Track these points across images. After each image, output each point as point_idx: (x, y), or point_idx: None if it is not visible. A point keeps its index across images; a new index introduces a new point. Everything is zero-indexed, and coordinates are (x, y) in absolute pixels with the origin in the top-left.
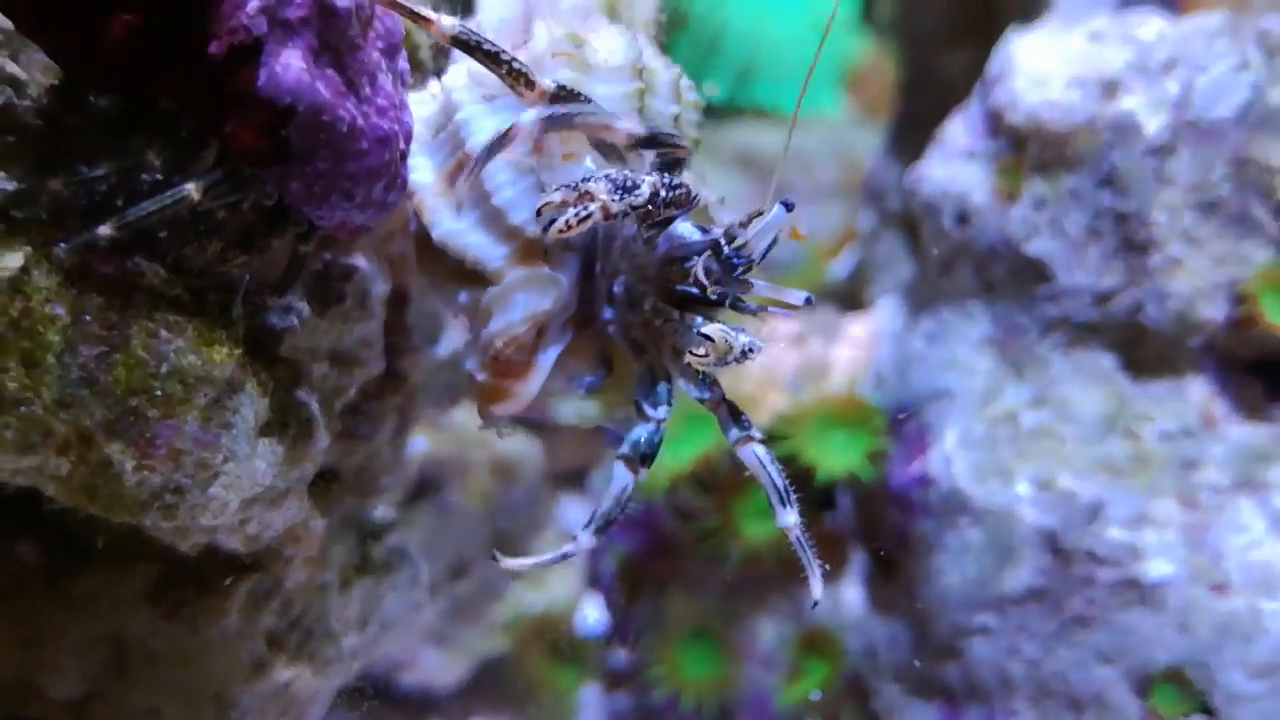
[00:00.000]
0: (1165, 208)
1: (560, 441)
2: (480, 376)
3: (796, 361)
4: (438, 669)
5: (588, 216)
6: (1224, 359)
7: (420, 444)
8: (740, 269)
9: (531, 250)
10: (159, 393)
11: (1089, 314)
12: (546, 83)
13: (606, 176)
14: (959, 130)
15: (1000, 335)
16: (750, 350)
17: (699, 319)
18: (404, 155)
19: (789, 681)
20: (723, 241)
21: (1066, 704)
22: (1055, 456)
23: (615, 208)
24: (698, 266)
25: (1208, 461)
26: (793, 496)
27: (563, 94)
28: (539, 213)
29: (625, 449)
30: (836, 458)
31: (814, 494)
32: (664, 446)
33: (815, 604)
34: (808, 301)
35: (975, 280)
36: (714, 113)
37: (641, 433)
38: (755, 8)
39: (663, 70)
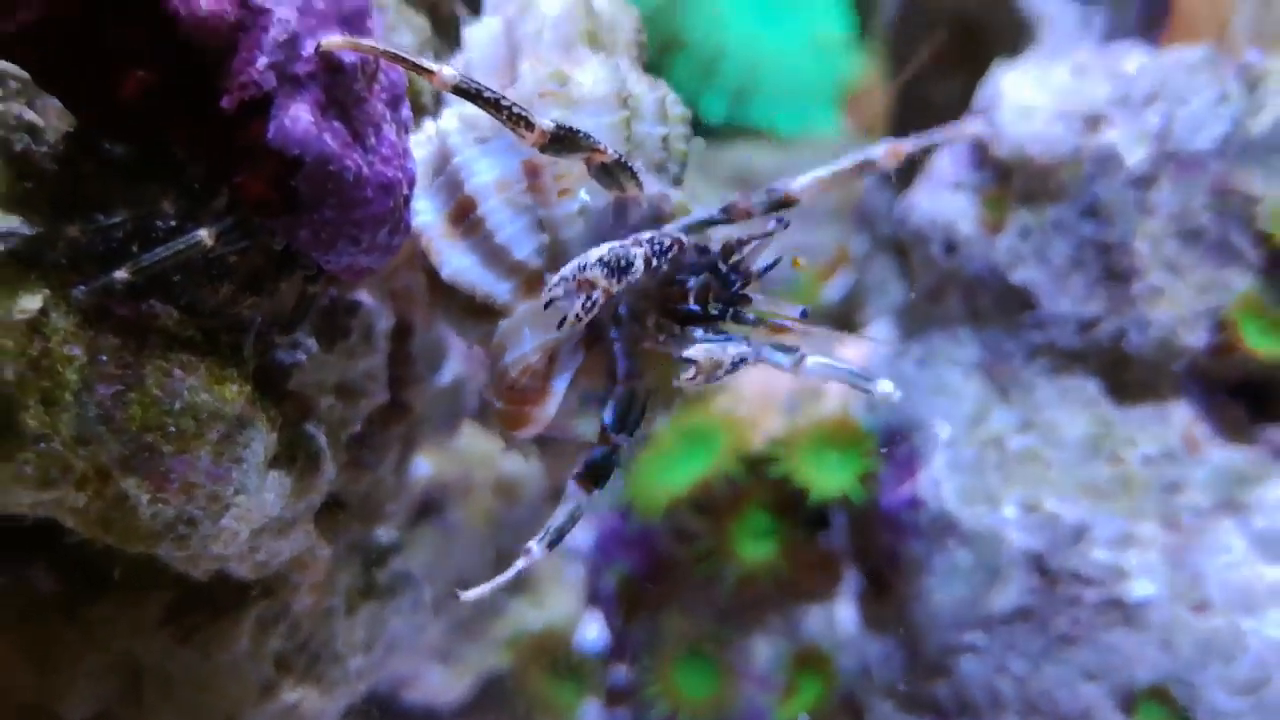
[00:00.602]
0: (1147, 237)
1: (562, 459)
2: (499, 404)
3: (792, 384)
4: (441, 686)
5: (594, 305)
6: (1207, 382)
7: (423, 466)
8: (738, 285)
9: (536, 282)
10: (173, 429)
11: (1073, 341)
12: (546, 124)
13: (601, 261)
14: (946, 161)
15: (987, 361)
16: (743, 359)
17: (699, 331)
18: (408, 200)
19: (784, 699)
20: (720, 260)
21: None
22: (1041, 480)
23: (615, 289)
24: (695, 285)
25: (1190, 484)
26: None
27: (562, 133)
28: (546, 305)
29: (579, 469)
30: (830, 479)
31: (808, 514)
32: (662, 470)
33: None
34: (803, 314)
35: (963, 307)
36: (711, 133)
37: (597, 454)
38: (752, 29)
39: (647, 93)
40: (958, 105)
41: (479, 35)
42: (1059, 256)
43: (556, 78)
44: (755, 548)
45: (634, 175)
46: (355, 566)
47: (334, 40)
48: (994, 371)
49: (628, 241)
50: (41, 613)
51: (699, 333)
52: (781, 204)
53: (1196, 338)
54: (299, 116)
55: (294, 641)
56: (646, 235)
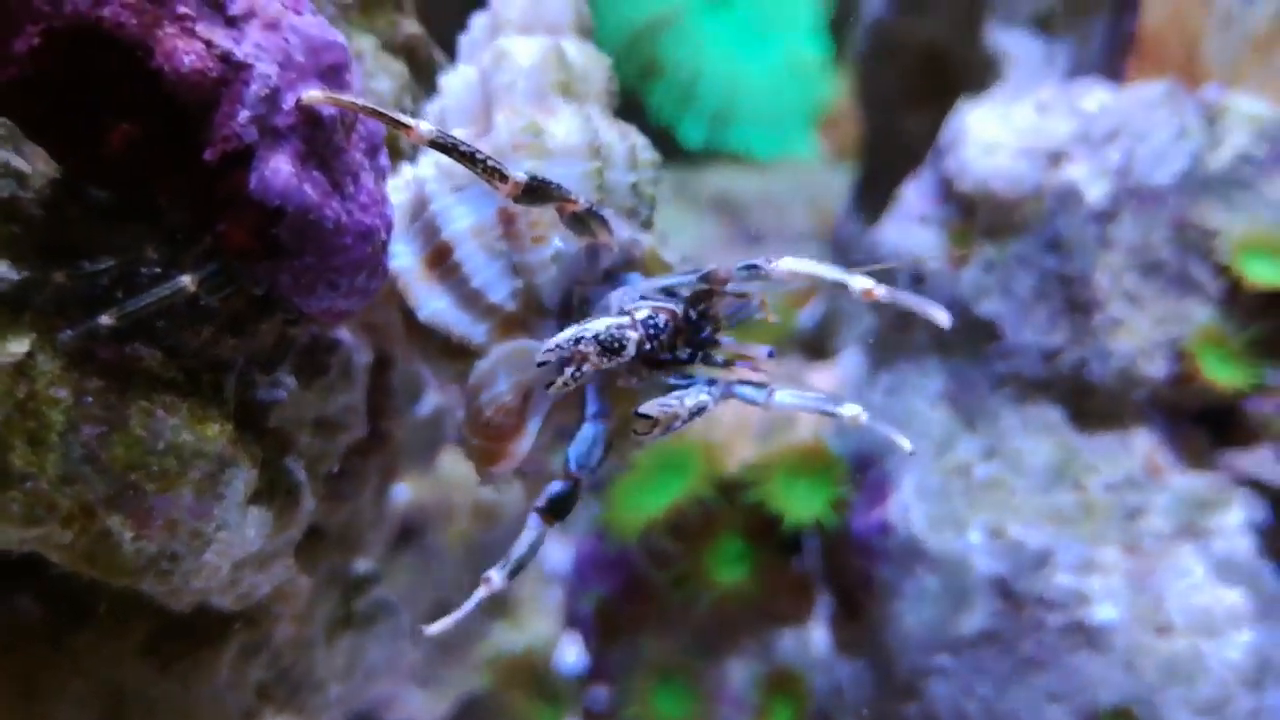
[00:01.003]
0: (1108, 270)
1: (541, 483)
2: (475, 442)
3: (765, 411)
4: (420, 708)
5: (582, 376)
6: (1168, 411)
7: (403, 491)
8: (707, 331)
9: (510, 324)
10: (156, 468)
11: (1037, 370)
12: (519, 176)
13: (596, 338)
14: (913, 196)
15: (954, 390)
16: (701, 409)
17: (665, 377)
18: (385, 245)
19: None
20: (690, 308)
21: None
22: (1005, 506)
23: (604, 366)
24: (666, 331)
25: (1151, 510)
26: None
27: (535, 184)
28: (539, 364)
29: (541, 502)
30: (802, 505)
31: (781, 538)
32: (638, 495)
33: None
34: (770, 355)
35: (930, 338)
36: (690, 157)
37: (557, 489)
38: (729, 54)
39: (617, 141)
40: (927, 137)
41: (454, 83)
42: (1023, 289)
43: (530, 130)
44: (729, 571)
45: (604, 223)
46: (335, 596)
47: (314, 95)
48: (960, 401)
49: (624, 321)
50: (27, 641)
51: (666, 378)
52: (758, 278)
53: (1156, 367)
54: (279, 168)
55: (275, 670)
56: (642, 315)
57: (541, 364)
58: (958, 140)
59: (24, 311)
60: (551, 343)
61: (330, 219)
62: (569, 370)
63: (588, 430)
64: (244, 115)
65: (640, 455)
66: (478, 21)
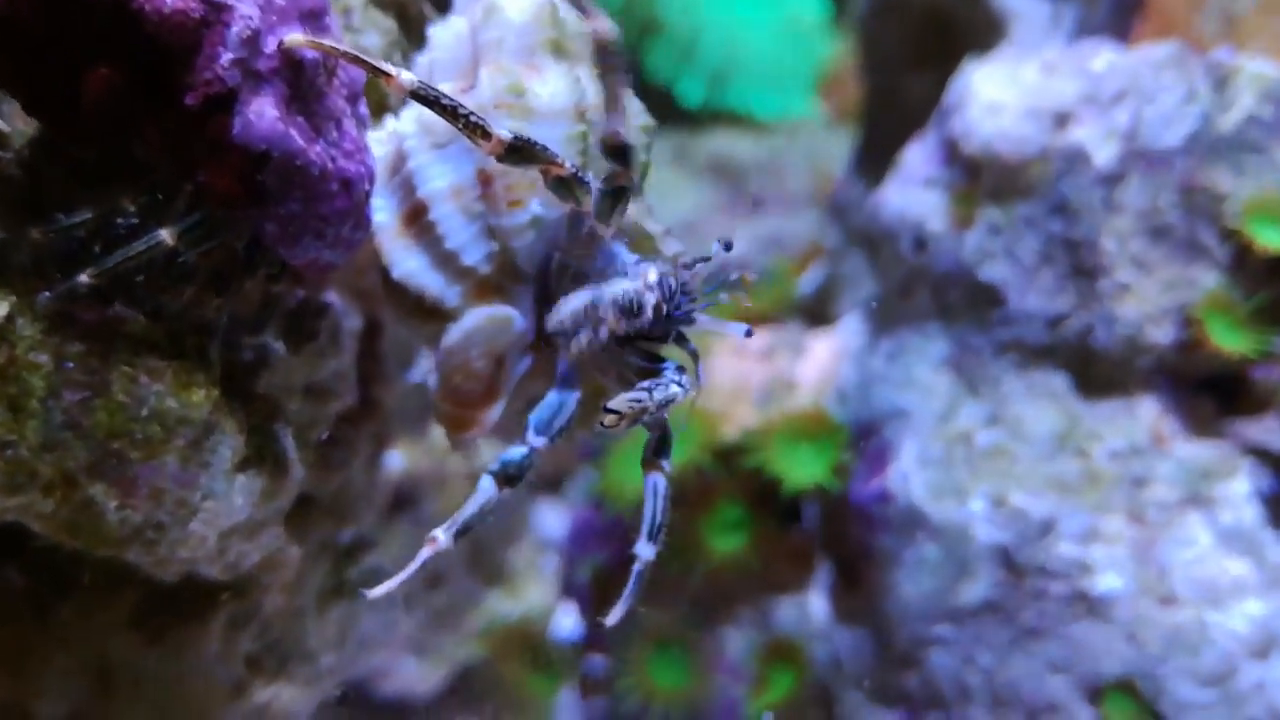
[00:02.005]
0: (1114, 235)
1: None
2: (445, 408)
3: (764, 376)
4: (416, 677)
5: (599, 340)
6: (1174, 378)
7: (396, 459)
8: (684, 307)
9: (485, 288)
10: (139, 435)
11: (1041, 337)
12: (503, 134)
13: (615, 302)
14: (917, 158)
15: (956, 356)
16: (670, 401)
17: (632, 352)
18: (368, 195)
19: (756, 690)
20: (666, 290)
21: (1021, 712)
22: (1008, 475)
23: (622, 330)
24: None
25: (1156, 478)
26: (661, 537)
27: (519, 143)
28: (551, 336)
29: (496, 466)
30: (802, 471)
31: (780, 506)
32: (634, 463)
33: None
34: (747, 334)
35: (932, 303)
36: (688, 120)
37: (515, 454)
38: (729, 12)
39: None
40: (931, 98)
41: (443, 36)
42: (1027, 253)
43: (514, 89)
44: (727, 540)
45: (589, 190)
46: (326, 565)
47: (297, 38)
48: (963, 367)
49: (640, 284)
50: (11, 613)
51: (634, 357)
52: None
53: (1163, 334)
54: (264, 111)
55: (265, 641)
56: (653, 277)
57: (554, 333)
58: (962, 101)
59: (2, 274)
60: (566, 310)
61: (316, 165)
62: (584, 334)
63: (552, 398)
64: (226, 58)
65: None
66: None
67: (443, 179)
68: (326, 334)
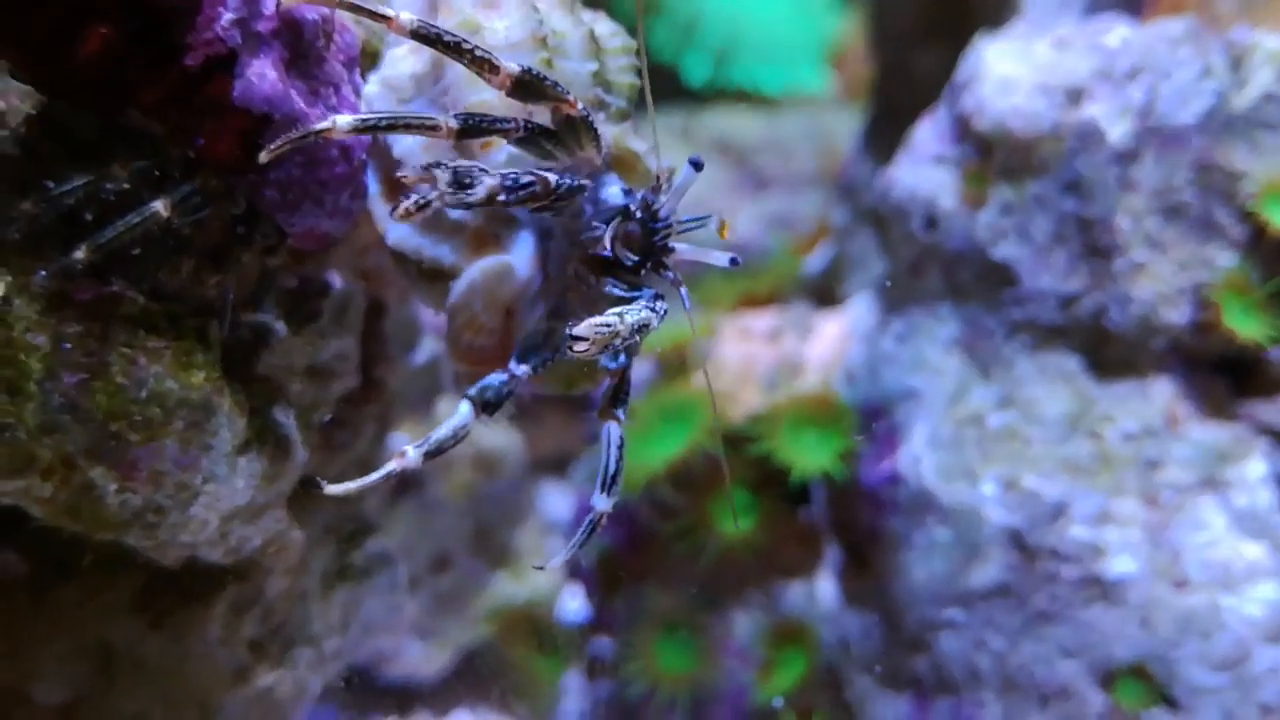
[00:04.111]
0: (1129, 213)
1: (542, 429)
2: (461, 368)
3: (772, 358)
4: (421, 660)
5: (426, 205)
6: (1188, 359)
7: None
8: (660, 233)
9: (481, 239)
10: (139, 418)
11: (1054, 317)
12: (511, 67)
13: (453, 168)
14: (928, 135)
15: (968, 337)
16: (645, 326)
17: (612, 285)
18: (364, 164)
19: (764, 674)
20: (635, 207)
21: (1032, 696)
22: (1020, 457)
23: (447, 201)
24: (606, 233)
25: (1170, 461)
26: (617, 488)
27: (528, 77)
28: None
29: (473, 391)
30: (810, 456)
31: (788, 489)
32: (641, 446)
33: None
34: (734, 262)
35: (943, 283)
36: (694, 98)
37: (495, 380)
38: None
39: (570, 30)
40: (941, 74)
41: None
42: (1040, 232)
43: (467, 26)
44: (734, 523)
45: (595, 134)
46: (330, 548)
47: None
48: (974, 348)
49: (486, 168)
50: (11, 596)
51: (612, 287)
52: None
53: (1178, 314)
54: (265, 73)
55: (268, 625)
56: (504, 170)
57: (401, 177)
58: (974, 77)
59: None
60: (414, 161)
61: None
62: (413, 195)
63: (537, 328)
64: (227, 18)
65: (643, 404)
66: None
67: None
68: (329, 314)
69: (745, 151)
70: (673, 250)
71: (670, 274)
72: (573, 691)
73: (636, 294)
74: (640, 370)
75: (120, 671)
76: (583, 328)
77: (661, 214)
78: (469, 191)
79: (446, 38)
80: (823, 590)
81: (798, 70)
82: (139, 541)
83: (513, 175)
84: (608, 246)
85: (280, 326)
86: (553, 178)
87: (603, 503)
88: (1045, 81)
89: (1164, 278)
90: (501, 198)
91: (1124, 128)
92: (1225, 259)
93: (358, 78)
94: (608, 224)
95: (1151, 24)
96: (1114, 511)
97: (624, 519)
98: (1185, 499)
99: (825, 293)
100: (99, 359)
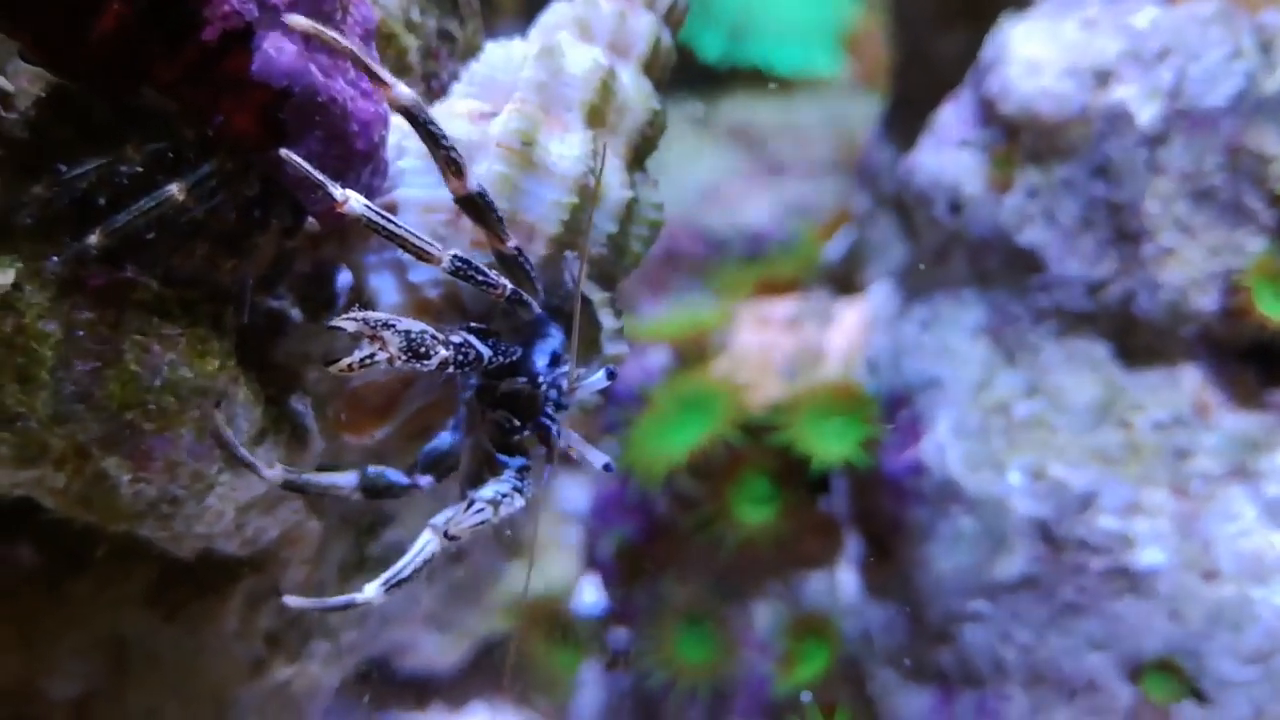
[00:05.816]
0: (1158, 197)
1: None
2: (339, 405)
3: (791, 347)
4: (438, 652)
5: (372, 363)
6: (1218, 346)
7: None
8: (549, 405)
9: (424, 309)
10: (153, 406)
11: (1082, 303)
12: (472, 183)
13: (407, 333)
14: (951, 118)
15: (993, 324)
16: (512, 516)
17: (497, 421)
18: (384, 141)
19: (784, 666)
20: (545, 381)
21: (1059, 689)
22: (1047, 446)
23: (397, 366)
24: (505, 390)
25: (1200, 450)
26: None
27: (481, 200)
28: (329, 327)
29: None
30: (831, 446)
31: (808, 479)
32: (661, 436)
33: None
34: (606, 468)
35: (968, 269)
36: (708, 76)
37: (391, 476)
38: None
39: (616, 189)
40: (964, 57)
41: (497, 56)
42: (1067, 217)
43: (524, 136)
44: (754, 513)
45: (530, 278)
46: (347, 539)
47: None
48: (1000, 335)
49: (442, 338)
50: (24, 589)
51: (496, 426)
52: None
53: (1208, 300)
54: (284, 46)
55: (285, 617)
56: (458, 339)
57: (333, 328)
58: (999, 59)
59: (8, 238)
60: (359, 313)
61: (337, 102)
62: (361, 351)
63: (445, 440)
64: None
65: (663, 394)
66: (559, 8)
67: (421, 189)
68: (346, 301)
69: (762, 138)
70: (552, 430)
71: (545, 449)
72: (590, 683)
73: (508, 458)
74: (658, 358)
75: (134, 665)
76: (458, 528)
77: (561, 400)
78: (425, 362)
79: (431, 128)
80: (844, 581)
81: (811, 52)
82: (153, 533)
83: (465, 349)
84: (500, 404)
85: (296, 313)
86: (489, 355)
87: (373, 592)
88: (1073, 63)
89: (1193, 263)
90: (450, 369)
91: (1153, 110)
92: (1256, 244)
93: (374, 52)
94: (512, 380)
95: (1181, 4)
96: (1143, 502)
97: (643, 509)
98: (1215, 489)
99: (845, 280)
100: (112, 346)
